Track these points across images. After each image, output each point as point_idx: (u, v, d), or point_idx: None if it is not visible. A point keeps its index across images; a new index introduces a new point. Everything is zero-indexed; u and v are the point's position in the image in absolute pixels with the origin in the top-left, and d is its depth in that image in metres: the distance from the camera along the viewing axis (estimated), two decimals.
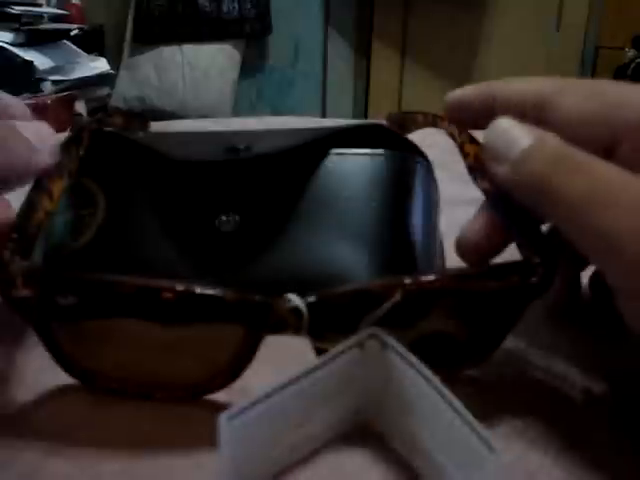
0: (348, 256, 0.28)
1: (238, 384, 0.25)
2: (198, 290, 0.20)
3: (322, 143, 0.30)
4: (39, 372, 0.25)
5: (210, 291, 0.20)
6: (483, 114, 0.26)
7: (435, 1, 2.17)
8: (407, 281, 0.21)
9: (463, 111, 0.28)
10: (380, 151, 0.30)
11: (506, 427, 0.23)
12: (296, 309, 0.20)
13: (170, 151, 0.30)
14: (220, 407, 0.23)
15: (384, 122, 0.34)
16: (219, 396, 0.24)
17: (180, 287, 0.20)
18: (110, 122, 0.35)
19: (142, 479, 0.20)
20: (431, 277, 0.21)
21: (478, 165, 0.26)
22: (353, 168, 0.30)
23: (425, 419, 0.19)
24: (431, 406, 0.19)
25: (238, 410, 0.18)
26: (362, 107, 2.36)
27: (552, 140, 0.22)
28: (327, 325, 0.21)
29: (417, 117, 0.31)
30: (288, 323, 0.21)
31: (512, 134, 0.23)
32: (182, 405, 0.23)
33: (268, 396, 0.18)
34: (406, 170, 0.30)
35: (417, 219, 0.29)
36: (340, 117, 1.65)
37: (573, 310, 0.30)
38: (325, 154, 0.30)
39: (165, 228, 0.29)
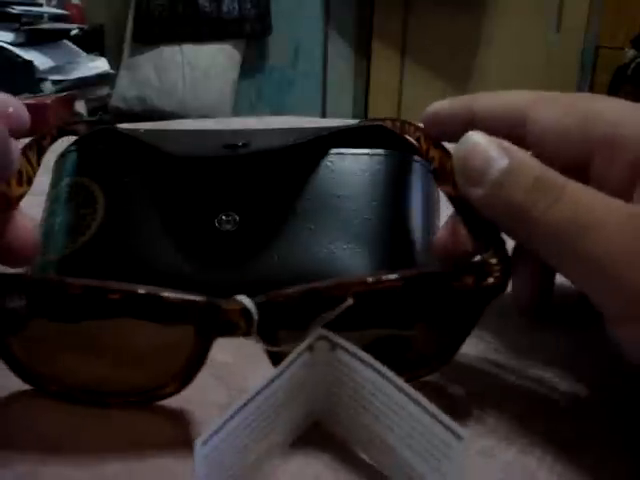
0: (348, 255, 0.28)
1: (238, 384, 0.25)
2: (144, 291, 0.20)
3: (321, 142, 0.30)
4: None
5: (156, 292, 0.20)
6: (462, 128, 0.25)
7: (435, 1, 2.17)
8: (357, 282, 0.21)
9: (441, 125, 0.27)
10: (380, 151, 0.30)
11: (505, 427, 0.23)
12: (245, 310, 0.20)
13: (169, 148, 0.30)
14: (221, 407, 0.23)
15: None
16: (220, 397, 0.24)
17: (126, 287, 0.20)
18: (74, 130, 0.35)
19: (146, 479, 0.20)
20: (382, 277, 0.21)
21: (443, 169, 0.26)
22: (353, 167, 0.30)
23: (383, 415, 0.19)
24: (388, 400, 0.19)
25: (210, 434, 0.18)
26: (362, 107, 2.36)
27: (529, 161, 0.22)
28: (278, 326, 0.21)
29: (386, 123, 0.31)
30: (237, 325, 0.20)
31: (486, 152, 0.22)
32: (183, 405, 0.23)
33: (235, 414, 0.18)
34: (406, 170, 0.30)
35: (417, 218, 0.30)
36: (340, 117, 1.65)
37: (548, 310, 0.29)
38: (325, 153, 0.30)
39: (165, 227, 0.29)
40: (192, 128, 0.37)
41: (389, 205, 0.29)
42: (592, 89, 2.15)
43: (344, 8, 2.24)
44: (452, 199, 0.25)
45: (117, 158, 0.31)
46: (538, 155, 0.23)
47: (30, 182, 0.29)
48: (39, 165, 0.31)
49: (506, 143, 0.22)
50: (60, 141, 0.31)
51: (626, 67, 1.87)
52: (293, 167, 0.30)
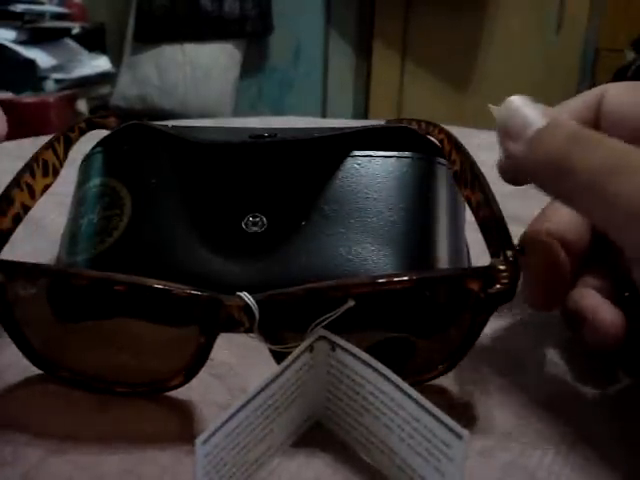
0: (376, 259, 0.28)
1: (239, 384, 0.25)
2: (149, 284, 0.21)
3: (348, 139, 0.30)
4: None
5: (162, 286, 0.21)
6: None
7: (436, 2, 2.17)
8: (358, 283, 0.21)
9: None
10: (408, 154, 0.30)
11: (504, 427, 0.23)
12: (247, 307, 0.21)
13: (196, 138, 0.30)
14: (221, 407, 0.23)
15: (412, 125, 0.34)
16: (220, 397, 0.24)
17: (132, 280, 0.21)
18: (103, 124, 0.35)
19: (146, 478, 0.20)
20: (384, 279, 0.21)
21: (463, 172, 0.26)
22: (381, 170, 0.30)
23: (383, 415, 0.20)
24: (388, 400, 0.19)
25: (210, 433, 0.18)
26: (362, 107, 2.36)
27: (568, 121, 0.22)
28: (280, 324, 0.21)
29: (412, 124, 0.31)
30: (239, 321, 0.21)
31: (526, 115, 0.23)
32: (184, 405, 0.23)
33: (235, 414, 0.18)
34: (433, 173, 0.30)
35: (444, 223, 0.29)
36: (340, 117, 1.65)
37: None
38: (352, 155, 0.30)
39: (192, 228, 0.29)
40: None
41: (417, 208, 0.29)
42: None
43: (345, 8, 2.24)
44: (470, 202, 0.26)
45: (143, 157, 0.30)
46: None
47: (56, 173, 0.29)
48: (66, 157, 0.31)
49: (546, 108, 0.23)
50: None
51: (626, 69, 1.87)
52: (320, 163, 0.30)
